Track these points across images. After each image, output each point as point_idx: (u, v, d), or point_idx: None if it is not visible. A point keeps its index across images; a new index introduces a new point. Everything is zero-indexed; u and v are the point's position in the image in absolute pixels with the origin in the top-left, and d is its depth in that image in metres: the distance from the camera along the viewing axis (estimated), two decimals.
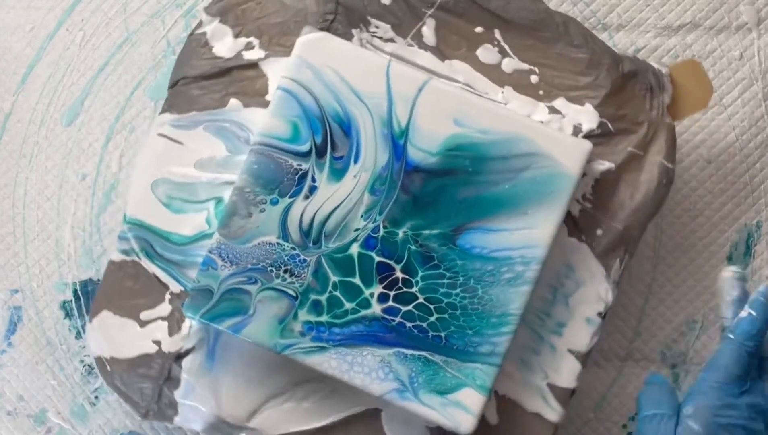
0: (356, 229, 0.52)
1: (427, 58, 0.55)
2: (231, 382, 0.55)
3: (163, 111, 0.57)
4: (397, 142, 0.52)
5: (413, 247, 0.52)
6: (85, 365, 0.62)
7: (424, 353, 0.52)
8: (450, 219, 0.52)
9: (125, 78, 0.63)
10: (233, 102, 0.56)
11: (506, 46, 0.55)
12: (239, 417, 0.55)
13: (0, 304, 0.63)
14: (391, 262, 0.52)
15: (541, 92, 0.55)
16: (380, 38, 0.56)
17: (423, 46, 0.56)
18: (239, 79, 0.56)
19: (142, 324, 0.56)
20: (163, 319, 0.56)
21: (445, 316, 0.52)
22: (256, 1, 0.56)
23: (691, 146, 0.62)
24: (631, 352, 0.62)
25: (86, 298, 0.62)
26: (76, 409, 0.62)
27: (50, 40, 0.63)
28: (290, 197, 0.52)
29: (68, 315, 0.62)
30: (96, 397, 0.62)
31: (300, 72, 0.53)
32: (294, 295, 0.52)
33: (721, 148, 0.62)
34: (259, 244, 0.52)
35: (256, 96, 0.56)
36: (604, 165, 0.55)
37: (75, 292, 0.63)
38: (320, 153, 0.53)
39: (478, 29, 0.56)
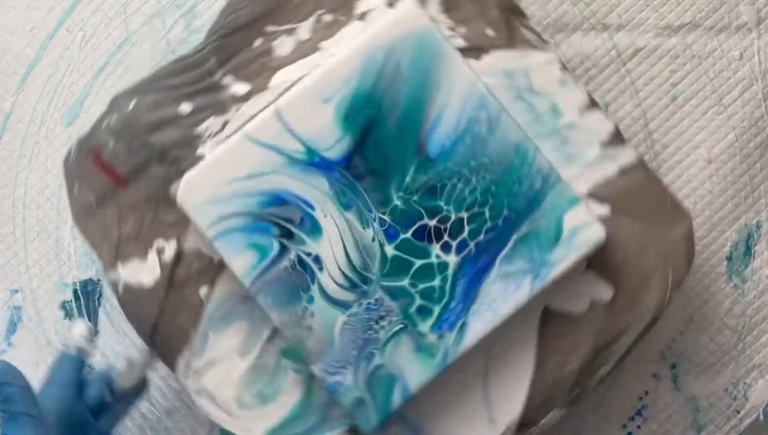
0: (373, 239, 0.52)
1: (257, 99, 0.55)
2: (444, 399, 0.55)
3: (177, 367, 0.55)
4: (318, 162, 0.52)
5: (414, 198, 0.52)
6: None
7: (512, 239, 0.52)
8: (406, 151, 0.52)
9: (125, 78, 0.63)
10: (203, 290, 0.55)
11: (288, 26, 0.55)
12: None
13: (0, 304, 0.63)
14: (418, 224, 0.52)
15: (343, 18, 0.55)
16: (214, 132, 0.54)
17: (242, 98, 0.55)
18: (186, 285, 0.55)
19: None
20: None
21: (490, 202, 0.52)
22: (117, 228, 0.55)
23: (691, 146, 0.62)
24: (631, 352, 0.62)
25: (86, 299, 0.62)
26: None
27: (50, 40, 0.64)
28: (313, 283, 0.52)
29: (68, 315, 0.62)
30: None
31: (209, 216, 0.52)
32: (403, 325, 0.52)
33: (721, 148, 0.62)
34: (340, 333, 0.52)
35: (211, 271, 0.55)
36: None
37: (75, 292, 0.63)
38: (290, 236, 0.52)
39: (258, 41, 0.55)
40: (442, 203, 0.52)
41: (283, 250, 0.52)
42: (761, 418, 0.62)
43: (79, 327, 0.55)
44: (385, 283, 0.52)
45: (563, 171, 0.53)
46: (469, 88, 0.52)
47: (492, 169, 0.52)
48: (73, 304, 0.63)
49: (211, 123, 0.54)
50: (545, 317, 0.54)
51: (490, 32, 0.55)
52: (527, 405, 0.54)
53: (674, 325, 0.62)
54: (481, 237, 0.52)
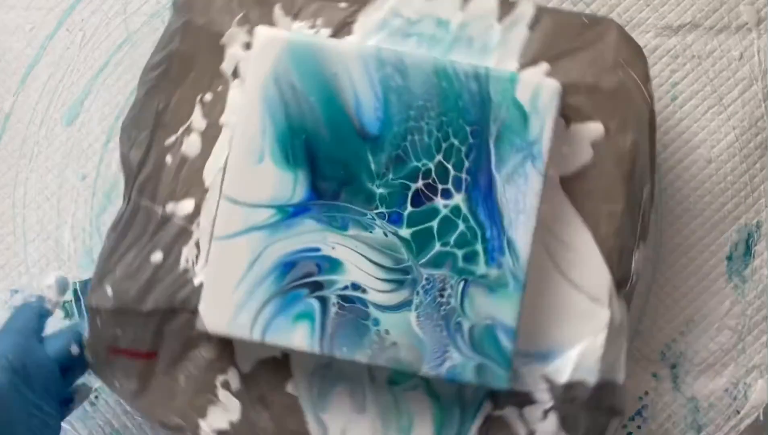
0: (385, 235, 0.53)
1: (206, 205, 0.55)
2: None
3: None
4: (292, 211, 0.53)
5: (390, 176, 0.53)
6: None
7: (491, 145, 0.53)
8: (353, 145, 0.53)
9: (125, 78, 0.63)
10: (289, 387, 0.55)
11: (182, 128, 0.55)
12: None
13: (0, 304, 0.63)
14: (409, 194, 0.53)
15: (221, 87, 0.55)
16: (195, 258, 0.55)
17: (194, 213, 0.55)
18: (271, 395, 0.55)
19: None
20: None
21: (451, 131, 0.53)
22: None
23: (691, 146, 0.62)
24: (631, 352, 0.62)
25: (86, 298, 0.62)
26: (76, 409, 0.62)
27: (50, 40, 0.64)
28: (368, 307, 0.53)
29: (68, 315, 0.62)
30: (96, 397, 0.62)
31: (245, 325, 0.52)
32: (464, 280, 0.53)
33: (721, 148, 0.62)
34: (420, 328, 0.53)
35: (282, 366, 0.55)
36: None
37: (75, 292, 0.63)
38: (320, 287, 0.52)
39: (168, 157, 0.55)
40: (414, 163, 0.53)
41: (324, 301, 0.53)
42: (761, 418, 0.62)
43: (48, 277, 0.55)
44: (422, 261, 0.53)
45: (486, 63, 0.54)
46: (360, 58, 0.53)
47: (430, 105, 0.53)
48: (73, 304, 0.63)
49: (187, 252, 0.54)
50: (567, 185, 0.55)
51: (343, 5, 0.55)
52: (610, 264, 0.54)
53: (674, 325, 0.62)
54: (467, 163, 0.53)
